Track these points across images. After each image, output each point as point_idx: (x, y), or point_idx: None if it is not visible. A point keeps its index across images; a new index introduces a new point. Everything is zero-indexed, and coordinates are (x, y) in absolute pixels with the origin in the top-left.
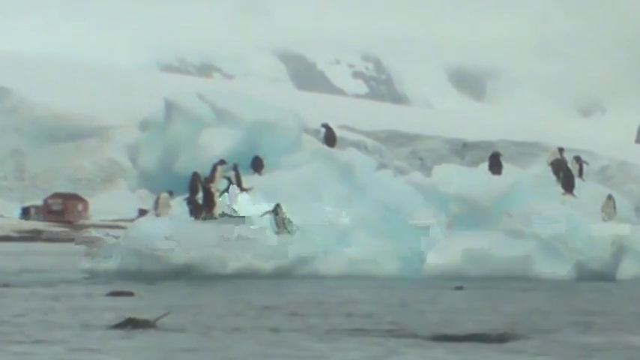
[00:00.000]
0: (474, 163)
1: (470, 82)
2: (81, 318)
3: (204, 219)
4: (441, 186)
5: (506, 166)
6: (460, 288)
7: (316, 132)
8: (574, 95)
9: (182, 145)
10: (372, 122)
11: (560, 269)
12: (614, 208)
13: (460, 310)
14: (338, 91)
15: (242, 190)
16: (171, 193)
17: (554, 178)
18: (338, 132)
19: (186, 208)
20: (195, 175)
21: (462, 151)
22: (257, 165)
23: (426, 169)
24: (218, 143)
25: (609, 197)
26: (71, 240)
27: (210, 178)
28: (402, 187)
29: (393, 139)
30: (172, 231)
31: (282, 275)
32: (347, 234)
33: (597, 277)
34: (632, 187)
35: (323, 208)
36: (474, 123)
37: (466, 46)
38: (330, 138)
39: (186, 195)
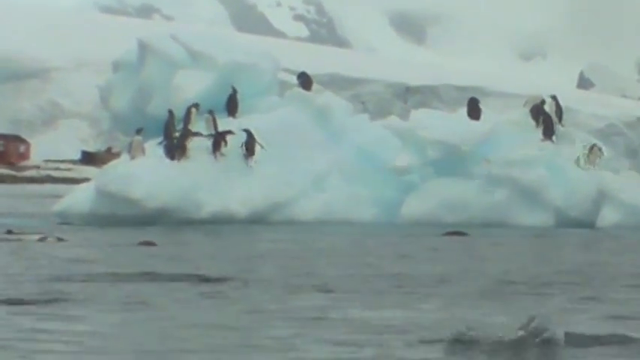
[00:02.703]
0: (417, 108)
1: (411, 27)
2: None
3: (178, 162)
4: (419, 131)
5: (486, 112)
6: (462, 234)
7: None
8: (515, 40)
9: (155, 87)
10: (313, 65)
11: (539, 216)
12: (600, 157)
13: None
14: (279, 34)
15: (221, 134)
16: (140, 132)
17: (533, 123)
18: (280, 75)
19: (159, 152)
20: (170, 115)
21: (405, 95)
22: (232, 107)
23: (369, 113)
24: (192, 85)
25: (595, 146)
26: (15, 181)
27: (185, 121)
28: (379, 131)
29: (335, 82)
30: (146, 175)
31: (257, 220)
32: (323, 179)
33: (577, 224)
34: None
35: (299, 152)
36: (416, 67)
37: None
38: (306, 83)
39: (160, 137)
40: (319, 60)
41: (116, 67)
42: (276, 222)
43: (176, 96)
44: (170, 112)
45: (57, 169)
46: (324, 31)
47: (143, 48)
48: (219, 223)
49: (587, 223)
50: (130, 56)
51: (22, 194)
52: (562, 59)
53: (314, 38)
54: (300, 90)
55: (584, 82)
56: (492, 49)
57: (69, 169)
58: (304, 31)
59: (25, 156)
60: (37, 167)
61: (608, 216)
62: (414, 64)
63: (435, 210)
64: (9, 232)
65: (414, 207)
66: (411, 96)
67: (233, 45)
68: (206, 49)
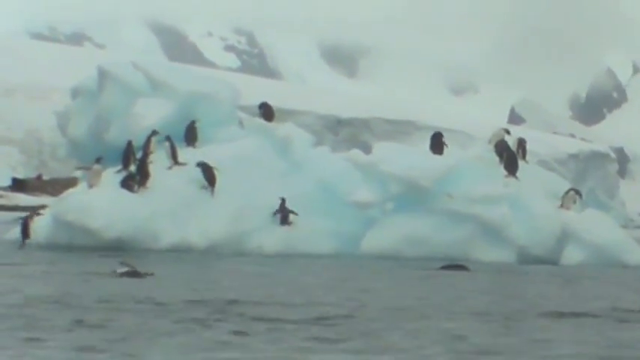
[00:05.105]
0: (348, 141)
1: (342, 59)
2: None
3: (136, 191)
4: (381, 164)
5: (449, 147)
6: (463, 268)
7: None
8: (446, 74)
9: (114, 115)
10: (245, 97)
11: (502, 253)
12: (575, 202)
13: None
14: (210, 64)
15: (177, 163)
16: (99, 160)
17: (496, 159)
18: None
19: (117, 180)
20: (129, 145)
21: (336, 127)
22: (191, 137)
23: None
24: (152, 113)
25: (571, 191)
26: None
27: (145, 149)
28: (341, 164)
29: None
30: (104, 204)
31: (215, 252)
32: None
33: (539, 261)
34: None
35: (259, 183)
36: (348, 100)
37: (338, 23)
38: (267, 114)
39: (119, 166)
40: (251, 91)
41: (75, 93)
42: (235, 254)
43: (135, 124)
44: (129, 142)
45: None
46: (255, 62)
47: (103, 75)
48: (177, 253)
49: (550, 261)
50: (89, 83)
51: None
52: (493, 94)
53: (245, 69)
54: (261, 120)
55: (515, 118)
56: (424, 82)
57: (0, 196)
58: (235, 62)
59: None
60: None
61: (571, 254)
62: (345, 97)
63: (396, 244)
64: None
65: (375, 241)
66: (342, 128)
67: (193, 74)
68: (166, 77)
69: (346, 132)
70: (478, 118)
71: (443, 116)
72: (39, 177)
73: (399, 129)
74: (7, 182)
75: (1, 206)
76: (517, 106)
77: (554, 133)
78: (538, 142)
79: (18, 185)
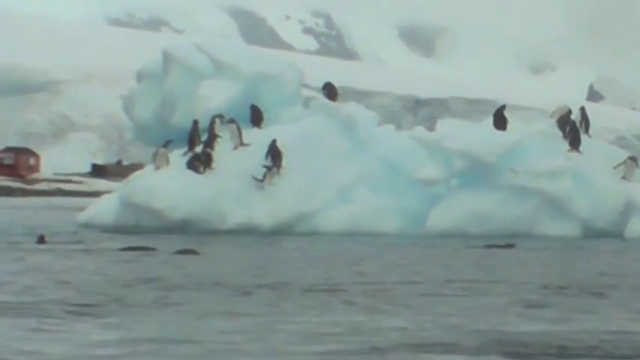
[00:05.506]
0: (427, 120)
1: (419, 39)
2: None
3: (202, 172)
4: (445, 141)
5: (512, 122)
6: (511, 246)
7: None
8: (524, 53)
9: (179, 97)
10: (323, 78)
11: (566, 227)
12: (638, 166)
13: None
14: (288, 47)
15: (242, 144)
16: (167, 144)
17: (560, 134)
18: None
19: (184, 162)
20: (195, 125)
21: (415, 107)
22: (257, 118)
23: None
24: (216, 95)
25: (628, 159)
26: (25, 194)
27: (209, 131)
28: (405, 142)
29: (346, 95)
30: (170, 185)
31: (281, 231)
32: (348, 189)
33: (603, 235)
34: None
35: (324, 162)
36: (425, 80)
37: (415, 3)
38: (331, 94)
39: (184, 148)
40: (329, 73)
41: (140, 77)
42: (301, 233)
43: (200, 106)
44: (195, 122)
45: (68, 181)
46: (333, 44)
47: (167, 58)
48: (244, 233)
49: (614, 234)
50: (154, 66)
51: (36, 207)
52: (572, 71)
53: (323, 51)
54: (325, 100)
55: (593, 95)
56: (501, 61)
57: (80, 182)
58: (313, 44)
59: (34, 169)
60: (48, 180)
61: (635, 227)
62: (423, 77)
63: (461, 221)
64: (41, 240)
65: (441, 218)
66: (420, 108)
67: (257, 56)
68: (230, 59)
69: (425, 112)
70: (557, 96)
71: (521, 95)
72: (119, 162)
73: (477, 108)
74: (87, 168)
75: (82, 192)
76: (596, 83)
77: (633, 109)
78: (617, 118)
79: (97, 171)
